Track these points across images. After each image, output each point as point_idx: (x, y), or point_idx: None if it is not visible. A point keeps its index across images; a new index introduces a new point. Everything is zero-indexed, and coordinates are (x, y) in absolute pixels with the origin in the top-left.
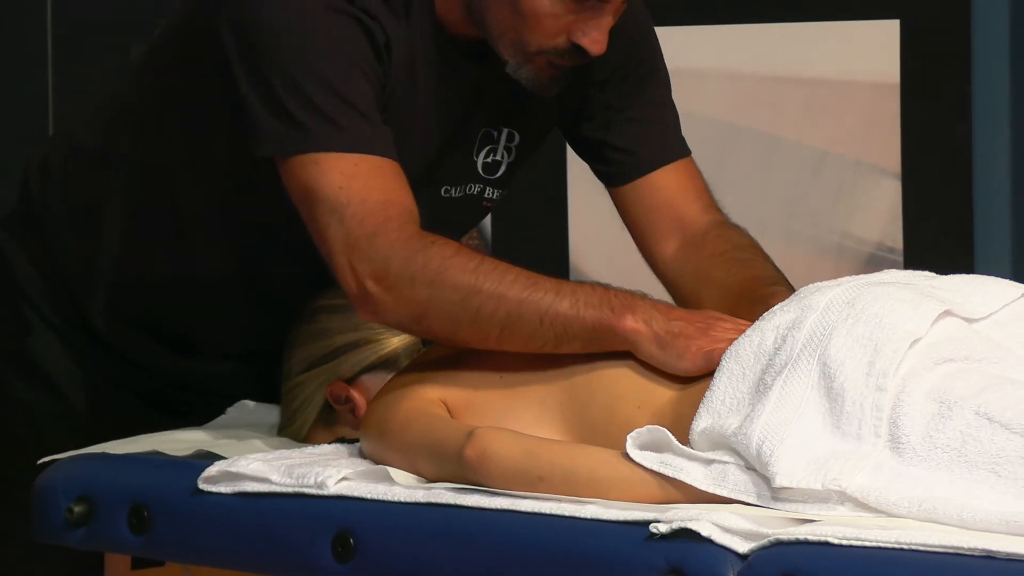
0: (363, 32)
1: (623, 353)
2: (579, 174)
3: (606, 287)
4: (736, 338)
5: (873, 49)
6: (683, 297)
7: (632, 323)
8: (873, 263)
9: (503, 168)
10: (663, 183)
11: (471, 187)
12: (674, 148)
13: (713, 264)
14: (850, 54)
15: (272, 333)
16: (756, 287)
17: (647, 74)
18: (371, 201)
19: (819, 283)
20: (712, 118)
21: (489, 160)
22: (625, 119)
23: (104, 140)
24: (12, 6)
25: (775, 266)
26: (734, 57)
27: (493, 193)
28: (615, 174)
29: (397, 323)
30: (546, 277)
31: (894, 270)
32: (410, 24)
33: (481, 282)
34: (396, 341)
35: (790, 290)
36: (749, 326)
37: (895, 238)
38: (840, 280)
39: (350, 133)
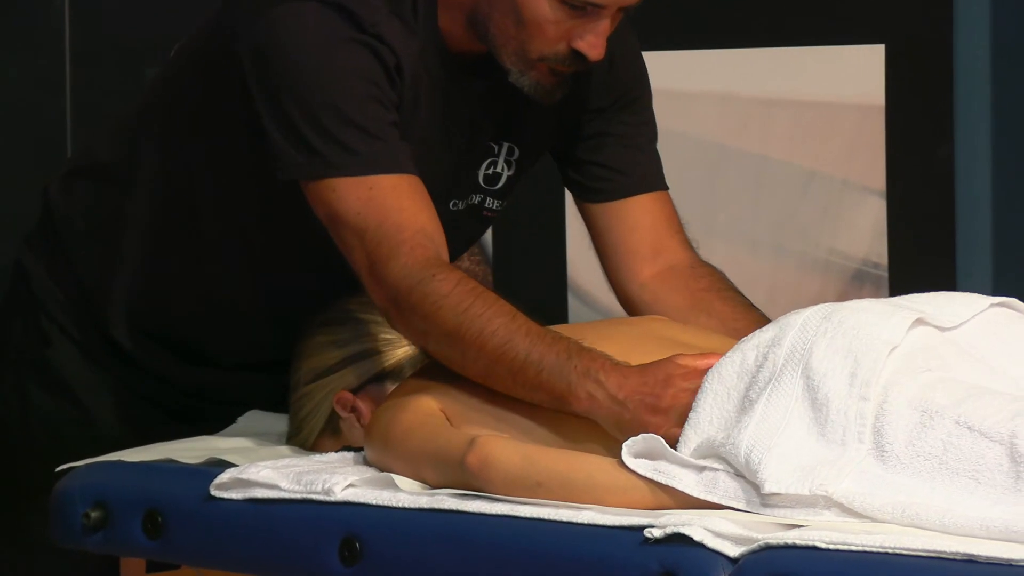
0: (375, 59)
1: None
2: None
3: (571, 349)
4: (697, 386)
5: (859, 72)
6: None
7: (586, 402)
8: (859, 278)
9: (503, 180)
10: (649, 208)
11: (472, 197)
12: (659, 181)
13: (711, 296)
14: (837, 77)
15: (284, 345)
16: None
17: (641, 110)
18: (387, 224)
19: (794, 310)
20: (704, 139)
21: (490, 172)
22: (618, 144)
23: (126, 158)
24: (31, 29)
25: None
26: (725, 80)
27: (493, 203)
28: (602, 190)
29: (413, 343)
30: (525, 330)
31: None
32: (417, 40)
33: (464, 329)
34: (400, 353)
35: None
36: (711, 359)
37: (880, 254)
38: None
39: (363, 157)
